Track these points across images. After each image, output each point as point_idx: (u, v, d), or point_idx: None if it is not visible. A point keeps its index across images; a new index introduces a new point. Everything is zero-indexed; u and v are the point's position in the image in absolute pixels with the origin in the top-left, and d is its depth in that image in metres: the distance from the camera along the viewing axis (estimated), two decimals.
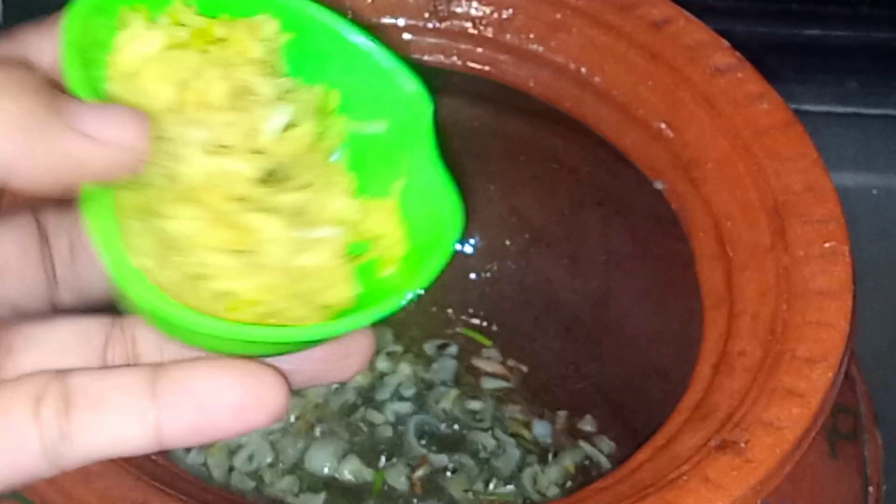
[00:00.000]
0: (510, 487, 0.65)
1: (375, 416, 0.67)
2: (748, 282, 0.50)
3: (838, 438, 0.51)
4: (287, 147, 0.33)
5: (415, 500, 0.65)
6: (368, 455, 0.65)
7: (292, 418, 0.65)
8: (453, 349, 0.70)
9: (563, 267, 0.67)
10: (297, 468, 0.64)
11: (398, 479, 0.65)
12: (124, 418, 0.30)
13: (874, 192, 0.79)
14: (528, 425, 0.68)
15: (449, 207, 0.34)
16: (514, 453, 0.67)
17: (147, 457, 0.45)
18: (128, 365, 0.33)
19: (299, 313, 0.32)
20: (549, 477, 0.66)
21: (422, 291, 0.32)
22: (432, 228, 0.34)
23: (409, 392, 0.68)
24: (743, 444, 0.45)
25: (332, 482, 0.64)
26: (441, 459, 0.66)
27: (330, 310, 0.33)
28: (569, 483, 0.66)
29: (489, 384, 0.69)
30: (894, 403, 0.64)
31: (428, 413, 0.67)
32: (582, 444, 0.67)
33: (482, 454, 0.66)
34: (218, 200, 0.32)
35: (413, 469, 0.65)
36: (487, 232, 0.68)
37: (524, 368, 0.69)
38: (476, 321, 0.70)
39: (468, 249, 0.68)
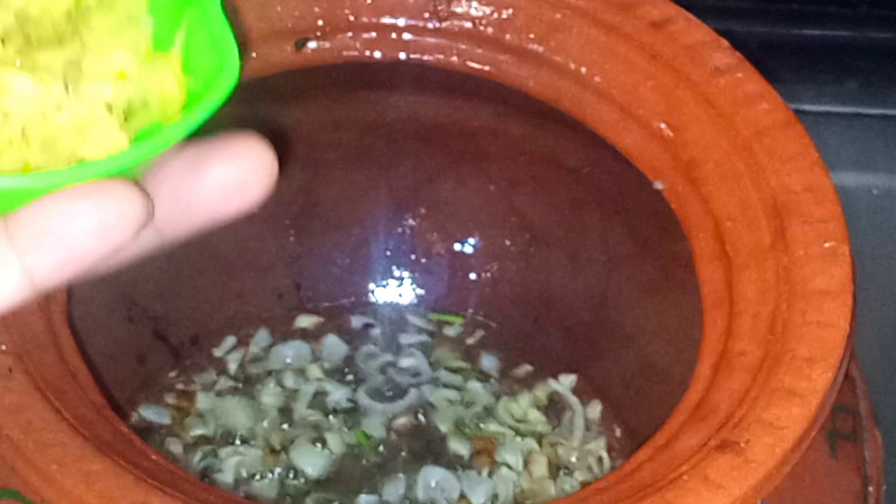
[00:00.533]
0: (493, 426, 0.66)
1: (321, 407, 0.67)
2: (748, 282, 0.50)
3: (838, 438, 0.51)
4: (40, 8, 0.34)
5: (403, 445, 0.65)
6: (345, 426, 0.66)
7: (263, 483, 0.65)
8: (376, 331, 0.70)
9: (563, 267, 0.67)
10: (285, 481, 0.65)
11: (380, 430, 0.65)
12: None
13: (874, 191, 0.79)
14: (472, 359, 0.68)
15: (226, 53, 0.34)
16: (476, 385, 0.67)
17: (147, 457, 0.46)
18: None
19: (60, 167, 0.32)
20: (522, 404, 0.67)
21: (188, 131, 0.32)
22: (210, 74, 0.34)
23: (331, 386, 0.68)
24: (743, 444, 0.45)
25: (329, 477, 0.65)
26: (420, 397, 0.66)
27: None
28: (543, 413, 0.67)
29: (409, 339, 0.69)
30: (894, 403, 0.64)
31: (368, 382, 0.68)
32: (551, 381, 0.67)
33: (447, 397, 0.67)
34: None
35: (392, 419, 0.66)
36: (487, 232, 0.68)
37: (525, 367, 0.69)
38: (476, 321, 0.70)
39: (468, 249, 0.69)
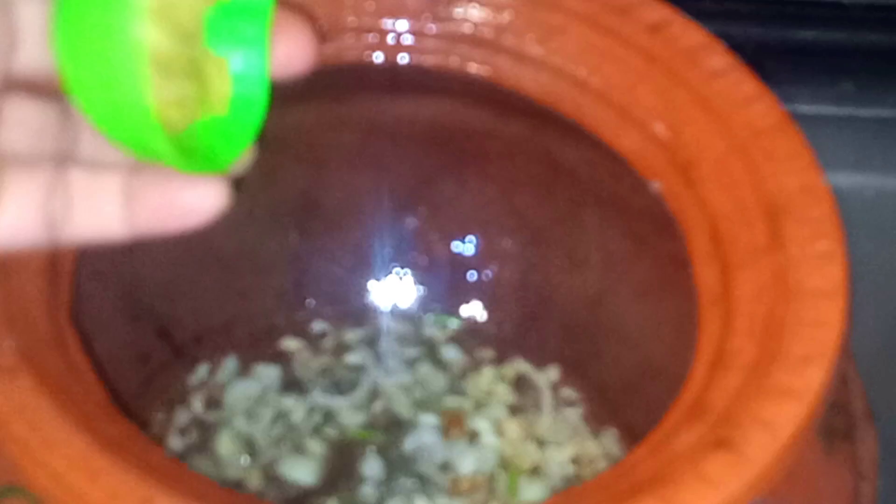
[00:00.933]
0: (457, 400, 0.67)
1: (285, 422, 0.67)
2: (744, 281, 0.51)
3: (833, 436, 0.51)
4: None
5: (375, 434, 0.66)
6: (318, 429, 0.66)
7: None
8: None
9: (562, 267, 0.67)
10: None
11: (357, 418, 0.66)
12: (108, 214, 0.38)
13: (869, 192, 0.79)
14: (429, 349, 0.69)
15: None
16: (429, 370, 0.68)
17: (152, 454, 0.46)
18: (108, 164, 0.39)
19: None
20: (487, 377, 0.67)
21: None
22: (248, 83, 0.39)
23: (288, 400, 0.68)
24: (738, 442, 0.45)
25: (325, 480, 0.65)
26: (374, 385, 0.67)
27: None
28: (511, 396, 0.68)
29: (350, 336, 0.70)
30: (889, 402, 0.65)
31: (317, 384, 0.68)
32: (517, 361, 0.68)
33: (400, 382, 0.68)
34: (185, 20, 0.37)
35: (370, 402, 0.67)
36: (487, 232, 0.68)
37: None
38: (475, 320, 0.70)
39: (468, 249, 0.69)
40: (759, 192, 0.52)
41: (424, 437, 0.66)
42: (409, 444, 0.66)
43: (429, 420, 0.66)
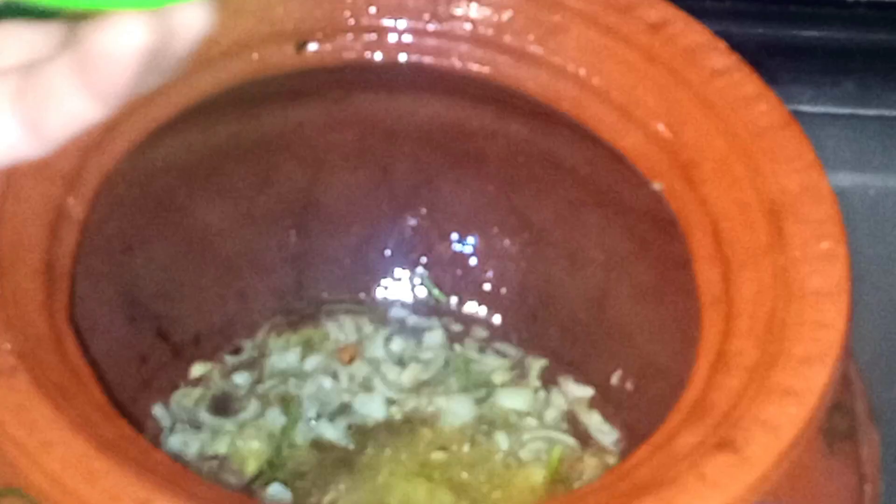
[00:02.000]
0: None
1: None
2: (746, 282, 0.51)
3: (835, 437, 0.51)
4: None
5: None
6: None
7: None
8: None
9: (562, 267, 0.67)
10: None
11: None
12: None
13: (871, 192, 0.79)
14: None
15: None
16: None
17: (150, 455, 0.46)
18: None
19: None
20: None
21: None
22: None
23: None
24: (740, 443, 0.45)
25: None
26: None
27: None
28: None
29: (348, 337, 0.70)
30: (890, 402, 0.65)
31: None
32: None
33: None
34: None
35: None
36: (487, 232, 0.68)
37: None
38: (475, 321, 0.70)
39: (468, 249, 0.69)
40: (761, 192, 0.52)
41: None
42: None
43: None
